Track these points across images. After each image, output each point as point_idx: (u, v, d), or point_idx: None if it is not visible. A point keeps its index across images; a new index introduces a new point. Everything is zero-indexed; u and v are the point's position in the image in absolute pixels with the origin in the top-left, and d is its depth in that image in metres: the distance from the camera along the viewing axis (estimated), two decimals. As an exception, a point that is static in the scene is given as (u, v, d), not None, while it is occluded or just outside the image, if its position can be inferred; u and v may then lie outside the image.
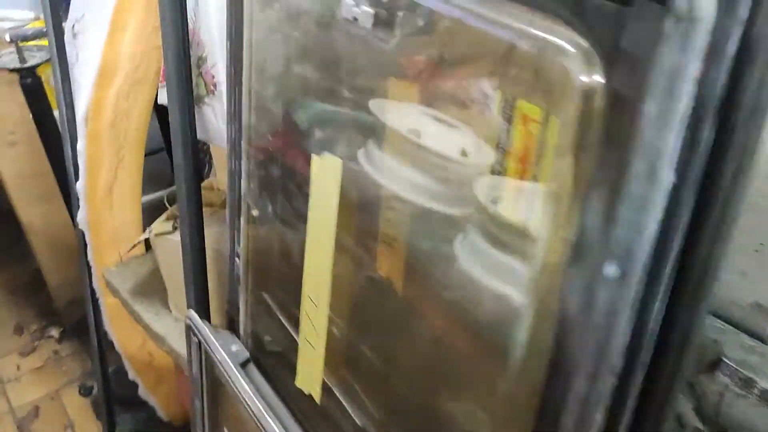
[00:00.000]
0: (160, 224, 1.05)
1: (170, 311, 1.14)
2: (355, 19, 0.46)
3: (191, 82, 0.79)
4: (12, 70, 1.19)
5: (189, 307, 0.96)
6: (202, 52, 0.79)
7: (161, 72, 1.03)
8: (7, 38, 1.23)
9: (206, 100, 0.81)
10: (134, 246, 1.10)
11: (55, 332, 1.92)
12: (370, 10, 0.44)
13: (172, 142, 0.83)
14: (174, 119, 0.80)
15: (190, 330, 0.77)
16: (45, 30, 1.29)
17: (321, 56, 0.53)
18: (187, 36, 0.76)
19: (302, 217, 0.61)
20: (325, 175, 0.54)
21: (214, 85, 0.80)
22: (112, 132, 1.04)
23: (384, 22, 0.45)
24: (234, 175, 0.72)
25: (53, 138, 1.30)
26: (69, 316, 1.90)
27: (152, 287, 1.18)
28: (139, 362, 1.42)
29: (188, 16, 0.76)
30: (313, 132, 0.57)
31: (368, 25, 0.45)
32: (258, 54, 0.61)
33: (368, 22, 0.45)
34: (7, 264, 2.19)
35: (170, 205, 1.13)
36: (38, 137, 1.55)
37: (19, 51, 1.20)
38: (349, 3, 0.46)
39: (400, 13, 0.44)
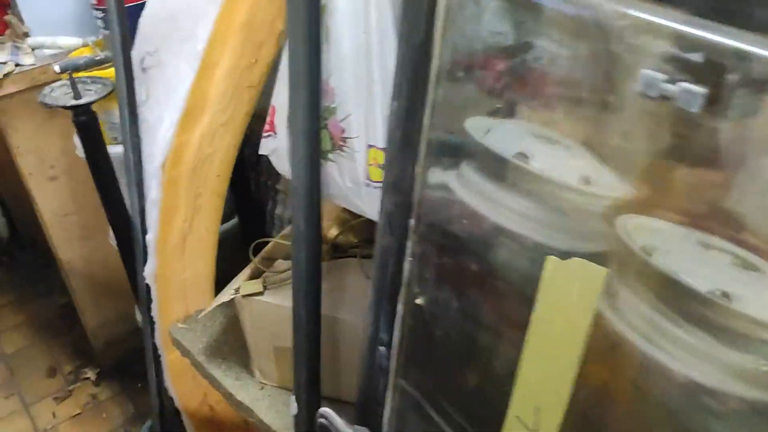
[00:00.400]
0: (248, 284, 0.93)
1: (252, 375, 1.02)
2: (665, 97, 0.34)
3: (320, 136, 0.67)
4: (67, 108, 1.07)
5: (298, 387, 0.84)
6: (331, 102, 0.67)
7: (248, 114, 0.91)
8: (57, 69, 1.11)
9: (330, 156, 0.70)
10: (214, 305, 0.98)
11: (91, 374, 1.79)
12: (699, 89, 0.33)
13: (293, 204, 0.71)
14: (297, 178, 0.68)
15: (323, 429, 0.65)
16: (98, 58, 1.17)
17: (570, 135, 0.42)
18: (320, 84, 0.65)
19: (510, 320, 0.49)
20: (569, 282, 0.42)
21: (343, 140, 0.68)
22: (191, 179, 0.92)
23: (716, 101, 0.33)
24: (386, 253, 0.60)
25: (106, 176, 1.17)
26: (106, 358, 1.78)
27: (228, 347, 1.06)
28: (199, 418, 1.30)
29: (317, 60, 0.65)
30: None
31: (694, 108, 0.33)
32: (449, 121, 0.50)
33: (694, 104, 0.33)
34: (33, 298, 2.07)
35: (254, 255, 1.01)
36: (79, 171, 1.43)
37: (74, 84, 1.07)
38: (653, 77, 0.34)
39: (743, 91, 0.33)
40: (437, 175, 0.52)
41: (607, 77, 0.37)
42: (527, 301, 0.46)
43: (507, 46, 0.42)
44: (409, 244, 0.56)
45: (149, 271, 1.03)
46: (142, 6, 1.10)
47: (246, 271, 0.99)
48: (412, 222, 0.55)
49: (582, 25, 0.37)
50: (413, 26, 0.50)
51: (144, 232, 1.01)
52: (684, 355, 0.44)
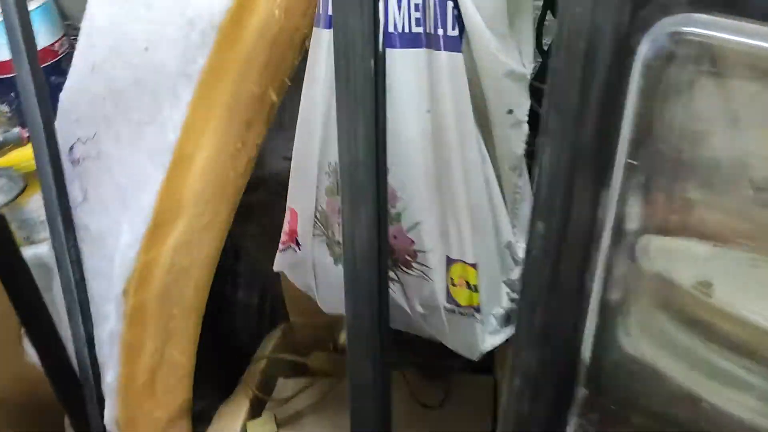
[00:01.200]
0: (256, 425, 0.72)
1: None
2: None
3: (387, 256, 0.49)
4: (-33, 216, 0.80)
5: None
6: (392, 207, 0.49)
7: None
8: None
9: (391, 274, 0.52)
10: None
11: None
12: None
13: (350, 341, 0.52)
14: (357, 314, 0.50)
15: None
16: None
17: None
18: (387, 190, 0.46)
19: None
20: None
21: (412, 255, 0.50)
22: (161, 302, 0.70)
23: None
24: (523, 424, 0.43)
25: (24, 288, 0.91)
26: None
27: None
28: None
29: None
30: None
31: None
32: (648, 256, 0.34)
33: None
34: None
35: (258, 390, 0.77)
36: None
37: (-28, 182, 0.82)
38: None
39: None
40: (632, 334, 0.36)
41: None
42: None
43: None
44: (575, 419, 0.40)
45: (110, 418, 0.79)
46: (54, 67, 0.86)
47: (241, 402, 0.77)
48: (582, 392, 0.39)
49: None
50: (570, 117, 0.34)
51: (96, 370, 0.77)
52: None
